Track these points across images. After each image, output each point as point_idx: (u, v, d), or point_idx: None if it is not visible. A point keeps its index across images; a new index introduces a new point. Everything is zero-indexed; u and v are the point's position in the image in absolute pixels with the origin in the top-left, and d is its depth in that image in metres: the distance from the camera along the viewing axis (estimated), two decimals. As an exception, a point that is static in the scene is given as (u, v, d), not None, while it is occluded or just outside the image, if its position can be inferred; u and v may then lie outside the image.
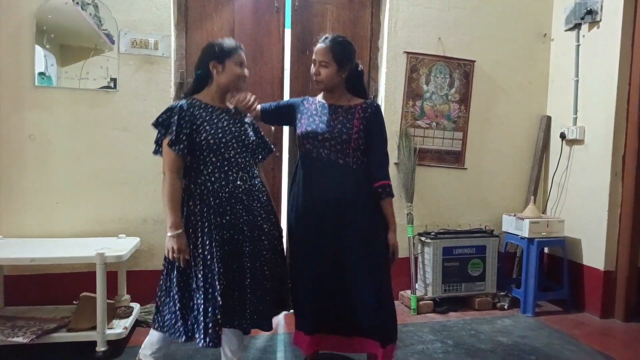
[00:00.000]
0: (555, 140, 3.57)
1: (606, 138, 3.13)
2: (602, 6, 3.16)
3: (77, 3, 2.73)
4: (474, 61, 3.46)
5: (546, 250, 3.55)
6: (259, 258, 1.94)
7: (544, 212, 3.64)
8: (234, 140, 1.93)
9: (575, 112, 3.37)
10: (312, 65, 2.08)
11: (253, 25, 3.10)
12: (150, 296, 2.89)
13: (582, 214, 3.30)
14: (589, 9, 3.23)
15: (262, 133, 2.15)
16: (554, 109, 3.63)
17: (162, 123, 1.88)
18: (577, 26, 3.36)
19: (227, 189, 1.89)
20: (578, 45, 3.37)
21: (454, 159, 3.50)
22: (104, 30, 2.78)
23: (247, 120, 2.06)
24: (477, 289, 3.30)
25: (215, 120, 1.92)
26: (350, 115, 2.06)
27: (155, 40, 2.85)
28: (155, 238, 2.89)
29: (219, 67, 1.95)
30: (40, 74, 2.71)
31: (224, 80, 1.96)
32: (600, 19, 3.18)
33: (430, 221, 3.43)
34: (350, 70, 2.08)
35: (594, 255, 3.20)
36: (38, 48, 2.69)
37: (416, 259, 3.30)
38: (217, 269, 1.82)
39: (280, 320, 2.97)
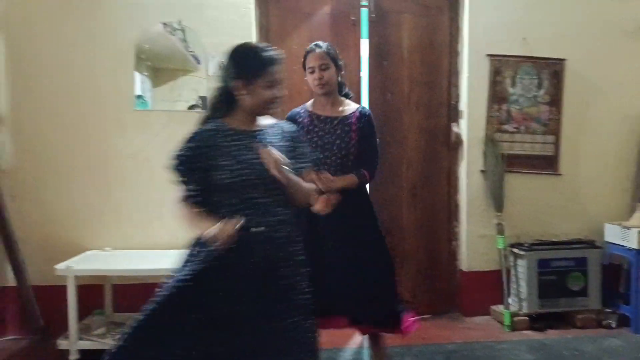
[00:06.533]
0: (663, 140, 3.24)
1: None
2: None
3: (169, 31, 2.96)
4: (564, 60, 3.26)
5: (659, 262, 3.20)
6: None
7: (654, 219, 3.30)
8: (254, 178, 1.54)
9: (686, 107, 3.04)
10: (310, 74, 2.14)
11: (330, 39, 3.13)
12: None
13: (703, 221, 2.94)
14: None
15: (303, 150, 1.75)
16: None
17: (177, 165, 1.59)
18: (684, 13, 3.05)
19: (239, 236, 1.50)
20: (685, 35, 3.05)
21: (547, 164, 3.30)
22: (190, 52, 2.99)
23: (275, 140, 1.65)
24: (578, 304, 3.07)
25: (236, 153, 1.56)
26: (347, 127, 2.15)
27: (240, 61, 3.01)
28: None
29: (244, 89, 1.58)
30: (139, 97, 2.97)
31: (250, 104, 1.60)
32: None
33: (522, 231, 3.24)
34: (340, 71, 2.20)
35: None
36: (137, 74, 2.95)
37: (508, 271, 3.14)
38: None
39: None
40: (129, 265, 2.58)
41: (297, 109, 2.25)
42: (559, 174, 3.31)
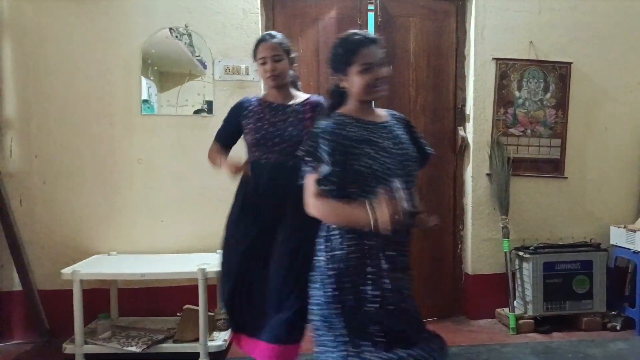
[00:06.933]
0: (670, 143, 3.24)
1: None
2: None
3: (176, 36, 2.96)
4: (570, 63, 3.25)
5: (664, 265, 3.20)
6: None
7: (659, 223, 3.29)
8: (399, 167, 1.52)
9: (694, 111, 3.03)
10: (261, 65, 2.03)
11: (337, 43, 3.16)
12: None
13: None
14: None
15: (421, 135, 1.74)
16: (667, 109, 3.29)
17: (310, 152, 1.51)
18: (693, 16, 3.04)
19: (380, 237, 1.47)
20: (694, 37, 3.04)
21: (552, 167, 3.29)
22: (197, 57, 2.99)
23: (400, 131, 1.62)
24: (583, 307, 3.05)
25: (378, 140, 1.53)
26: (301, 114, 2.03)
27: (246, 65, 3.00)
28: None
29: (344, 81, 1.56)
30: (145, 101, 2.96)
31: (354, 94, 1.56)
32: None
33: (528, 235, 3.23)
34: (293, 64, 2.10)
35: None
36: (143, 79, 2.95)
37: (514, 274, 3.13)
38: None
39: None
40: (135, 269, 2.57)
41: (248, 97, 2.16)
42: (565, 177, 3.29)
